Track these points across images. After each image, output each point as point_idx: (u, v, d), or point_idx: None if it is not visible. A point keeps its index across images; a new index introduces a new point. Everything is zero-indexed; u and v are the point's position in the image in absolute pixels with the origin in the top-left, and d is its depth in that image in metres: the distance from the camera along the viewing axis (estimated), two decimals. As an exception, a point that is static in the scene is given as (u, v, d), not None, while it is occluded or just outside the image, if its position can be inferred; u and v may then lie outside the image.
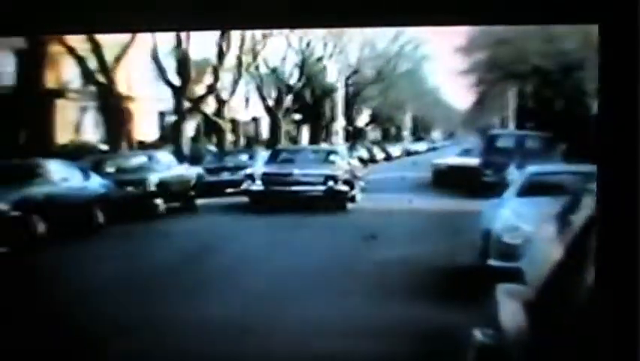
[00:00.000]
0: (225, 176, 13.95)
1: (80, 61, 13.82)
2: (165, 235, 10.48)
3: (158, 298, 6.54)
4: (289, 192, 12.24)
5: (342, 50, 16.66)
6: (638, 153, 2.00)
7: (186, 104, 15.26)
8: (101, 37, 12.72)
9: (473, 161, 13.75)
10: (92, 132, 15.59)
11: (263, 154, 14.62)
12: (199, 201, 12.73)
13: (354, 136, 18.32)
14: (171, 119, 15.85)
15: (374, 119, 19.86)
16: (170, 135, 15.95)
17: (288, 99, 16.94)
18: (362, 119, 19.40)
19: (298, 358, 5.02)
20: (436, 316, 5.59)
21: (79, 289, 6.78)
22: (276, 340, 5.25)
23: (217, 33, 14.25)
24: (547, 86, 14.74)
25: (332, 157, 13.61)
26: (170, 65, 14.86)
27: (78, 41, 13.09)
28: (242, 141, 17.77)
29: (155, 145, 15.74)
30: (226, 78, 15.57)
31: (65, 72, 14.80)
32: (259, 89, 16.61)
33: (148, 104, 15.95)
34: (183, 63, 14.69)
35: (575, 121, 12.80)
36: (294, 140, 17.57)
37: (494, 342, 3.25)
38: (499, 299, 3.49)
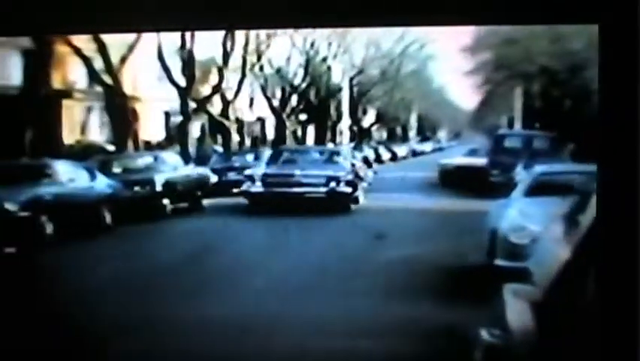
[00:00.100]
0: (231, 176, 13.94)
1: (86, 61, 13.88)
2: (173, 235, 10.51)
3: (163, 298, 6.56)
4: (290, 194, 11.98)
5: (347, 50, 16.65)
6: (638, 152, 2.00)
7: (192, 105, 15.30)
8: (106, 38, 12.76)
9: (480, 161, 13.72)
10: (98, 133, 15.64)
11: (269, 154, 14.60)
12: (205, 202, 12.72)
13: (359, 136, 18.30)
14: (177, 119, 15.89)
15: (380, 119, 19.84)
16: (175, 136, 15.99)
17: (293, 99, 16.94)
18: (368, 120, 19.38)
19: (305, 358, 5.02)
20: (443, 316, 5.58)
21: (86, 290, 6.81)
22: (280, 340, 5.25)
23: (222, 33, 14.27)
24: (555, 85, 14.68)
25: (334, 158, 13.39)
26: (176, 66, 14.90)
27: (84, 41, 13.13)
28: (247, 142, 17.79)
29: (161, 145, 15.78)
30: (231, 78, 15.59)
31: (71, 72, 14.86)
32: (264, 89, 16.63)
33: (154, 104, 15.99)
34: (188, 63, 14.72)
35: (582, 121, 12.74)
36: (300, 140, 17.56)
37: (501, 342, 3.25)
38: (507, 299, 3.49)
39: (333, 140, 17.47)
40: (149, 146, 15.30)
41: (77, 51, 13.61)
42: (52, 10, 2.16)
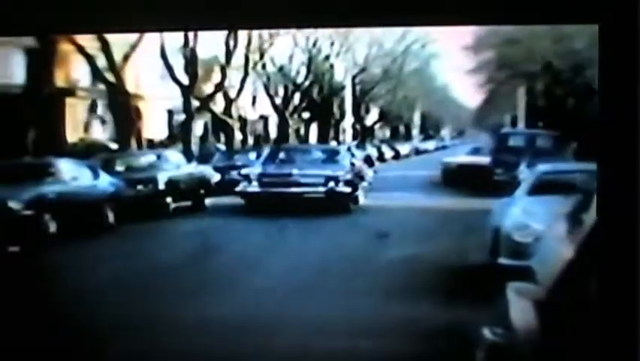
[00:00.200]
0: (234, 174, 13.91)
1: (89, 59, 13.89)
2: (175, 234, 10.51)
3: (163, 298, 6.56)
4: (288, 194, 11.59)
5: (350, 49, 16.64)
6: (638, 152, 2.00)
7: (195, 103, 15.31)
8: (109, 36, 12.77)
9: (484, 159, 13.70)
10: (101, 131, 15.66)
11: (265, 153, 14.40)
12: (208, 201, 12.69)
13: (362, 134, 18.28)
14: (180, 117, 15.91)
15: (382, 118, 19.82)
16: (178, 134, 16.00)
17: (296, 97, 16.94)
18: (370, 118, 19.36)
19: (306, 358, 5.03)
20: (446, 315, 5.57)
21: (87, 289, 6.82)
22: (280, 340, 5.26)
23: (224, 32, 14.27)
24: (558, 84, 14.66)
25: (333, 157, 13.00)
26: (179, 64, 14.91)
27: (87, 40, 13.15)
28: (250, 140, 17.80)
29: (164, 144, 15.80)
30: (234, 77, 15.59)
31: (75, 71, 14.88)
32: (266, 87, 16.63)
33: (156, 102, 16.01)
34: (191, 62, 14.73)
35: (585, 120, 12.72)
36: (303, 138, 17.55)
37: (504, 341, 3.24)
38: (510, 298, 3.48)
39: (336, 138, 17.46)
40: (151, 144, 15.32)
41: (80, 49, 13.63)
42: (52, 10, 2.17)
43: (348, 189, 11.81)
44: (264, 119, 18.32)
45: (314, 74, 16.64)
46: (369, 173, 14.23)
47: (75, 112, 15.08)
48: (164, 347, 5.13)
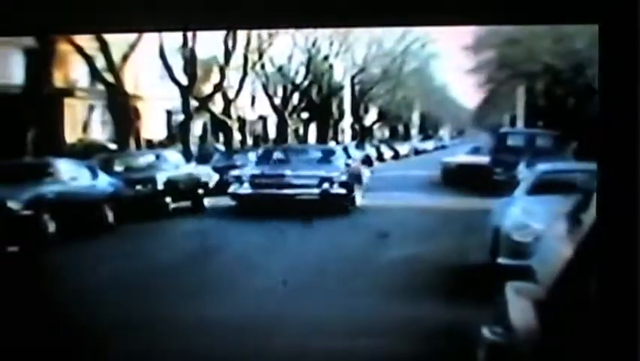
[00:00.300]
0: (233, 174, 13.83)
1: (88, 59, 13.89)
2: (174, 235, 10.50)
3: (162, 298, 6.56)
4: (280, 196, 11.20)
5: (349, 49, 16.64)
6: (638, 152, 2.00)
7: (194, 103, 15.30)
8: (108, 36, 12.76)
9: (483, 159, 13.70)
10: (100, 131, 15.66)
11: (258, 153, 14.00)
12: (206, 201, 12.66)
13: (361, 134, 18.28)
14: (179, 117, 15.90)
15: (382, 118, 19.83)
16: (177, 134, 16.00)
17: (295, 97, 16.93)
18: (370, 118, 19.36)
19: (306, 358, 5.02)
20: (446, 315, 5.57)
21: (87, 289, 6.81)
22: (280, 341, 5.25)
23: (223, 32, 14.27)
24: (557, 84, 14.66)
25: (328, 157, 12.59)
26: (178, 64, 14.90)
27: (86, 40, 13.14)
28: (249, 140, 17.79)
29: (163, 144, 15.79)
30: (233, 77, 15.59)
31: (74, 71, 14.87)
32: (265, 87, 16.62)
33: (155, 102, 16.00)
34: (190, 62, 14.72)
35: (585, 119, 12.73)
36: (302, 138, 17.55)
37: (504, 340, 3.24)
38: (509, 297, 3.48)
39: (335, 138, 17.46)
40: (150, 144, 15.32)
41: (79, 50, 13.62)
42: (51, 10, 2.17)
43: (343, 191, 11.46)
44: (263, 119, 18.32)
45: (313, 74, 16.64)
46: (366, 173, 13.95)
47: (74, 112, 15.07)
48: (164, 347, 5.13)
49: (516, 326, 3.21)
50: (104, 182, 11.08)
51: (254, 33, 14.81)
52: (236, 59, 15.13)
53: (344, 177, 11.72)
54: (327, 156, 12.76)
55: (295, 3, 2.12)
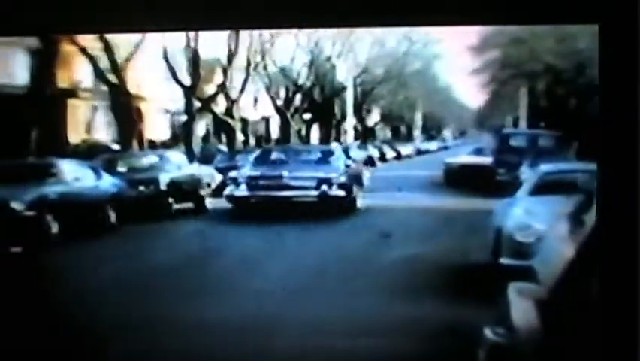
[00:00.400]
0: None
1: (92, 60, 13.92)
2: (175, 235, 10.50)
3: (163, 298, 6.57)
4: (278, 198, 10.94)
5: (351, 49, 16.64)
6: (638, 152, 2.00)
7: (196, 104, 15.32)
8: (112, 37, 12.79)
9: (486, 160, 13.69)
10: (103, 132, 15.69)
11: (255, 154, 13.71)
12: (208, 201, 12.64)
13: (363, 135, 18.28)
14: (182, 118, 15.92)
15: (384, 118, 19.82)
16: (180, 135, 16.02)
17: (298, 98, 16.94)
18: (372, 118, 19.36)
19: (307, 358, 5.03)
20: (447, 315, 5.57)
21: (88, 290, 6.82)
22: (280, 341, 5.25)
23: (226, 32, 14.29)
24: (560, 84, 14.64)
25: (327, 158, 12.30)
26: (181, 65, 14.92)
27: (90, 40, 13.17)
28: (252, 141, 17.80)
29: (166, 145, 15.81)
30: (236, 77, 15.60)
31: (77, 71, 14.91)
32: (268, 88, 16.63)
33: (158, 103, 16.03)
34: (193, 63, 14.74)
35: (587, 119, 12.71)
36: (304, 139, 17.55)
37: (506, 341, 3.24)
38: (511, 298, 3.48)
39: (338, 139, 17.46)
40: (153, 145, 15.34)
41: (83, 50, 13.66)
42: (51, 10, 2.17)
43: (341, 193, 11.20)
44: (266, 120, 18.34)
45: (315, 74, 16.65)
46: (366, 174, 13.75)
47: (77, 113, 15.10)
48: (166, 347, 5.13)
49: (518, 326, 3.21)
50: (107, 183, 11.11)
51: (256, 34, 14.83)
52: (239, 59, 15.15)
53: (343, 179, 11.49)
54: (325, 157, 12.51)
55: (295, 3, 2.12)
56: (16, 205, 9.06)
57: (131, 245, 9.51)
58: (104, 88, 14.53)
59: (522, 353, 3.14)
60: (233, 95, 15.80)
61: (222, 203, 12.46)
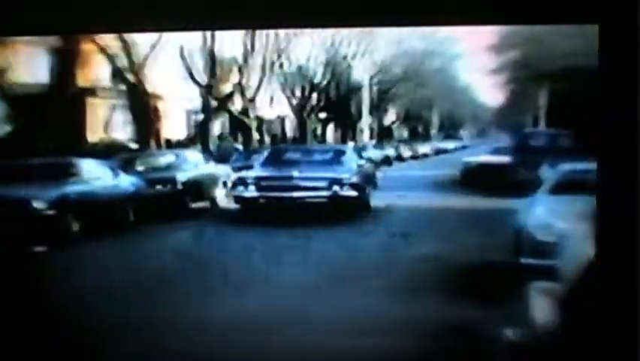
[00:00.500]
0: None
1: (111, 59, 14.05)
2: (186, 235, 10.53)
3: (165, 298, 6.59)
4: (288, 199, 10.63)
5: (368, 48, 16.59)
6: (638, 151, 1.98)
7: (213, 103, 15.38)
8: (129, 36, 12.89)
9: (505, 159, 13.59)
10: (121, 131, 15.83)
11: (264, 154, 13.53)
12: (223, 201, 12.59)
13: (380, 134, 18.22)
14: (198, 117, 16.00)
15: (401, 117, 19.74)
16: (197, 134, 16.11)
17: (314, 97, 16.93)
18: (389, 118, 19.29)
19: (321, 356, 5.02)
20: (469, 313, 5.53)
21: (93, 290, 6.86)
22: (280, 341, 5.24)
23: (242, 32, 14.33)
24: (579, 84, 14.47)
25: (339, 158, 11.95)
26: (198, 64, 15.00)
27: (109, 40, 13.29)
28: (267, 140, 17.84)
29: (183, 144, 15.91)
30: (252, 77, 15.64)
31: (96, 70, 15.06)
32: (284, 87, 16.65)
33: (175, 102, 16.13)
34: (210, 62, 14.81)
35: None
36: (320, 138, 17.54)
37: (526, 340, 3.21)
38: (533, 297, 3.44)
39: (354, 138, 17.43)
40: (170, 144, 15.45)
41: (102, 49, 13.79)
42: (50, 10, 2.18)
43: (354, 193, 10.83)
44: (281, 119, 18.36)
45: (332, 73, 16.62)
46: (377, 174, 13.43)
47: (96, 112, 15.26)
48: (165, 347, 5.13)
49: (539, 325, 3.17)
50: (125, 182, 11.20)
51: (272, 33, 14.85)
52: (256, 58, 15.19)
53: (355, 179, 11.16)
54: (337, 157, 12.07)
55: (295, 3, 2.12)
56: (38, 204, 9.17)
57: (148, 244, 9.57)
58: (123, 87, 14.66)
59: (542, 351, 3.11)
60: (250, 94, 15.85)
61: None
